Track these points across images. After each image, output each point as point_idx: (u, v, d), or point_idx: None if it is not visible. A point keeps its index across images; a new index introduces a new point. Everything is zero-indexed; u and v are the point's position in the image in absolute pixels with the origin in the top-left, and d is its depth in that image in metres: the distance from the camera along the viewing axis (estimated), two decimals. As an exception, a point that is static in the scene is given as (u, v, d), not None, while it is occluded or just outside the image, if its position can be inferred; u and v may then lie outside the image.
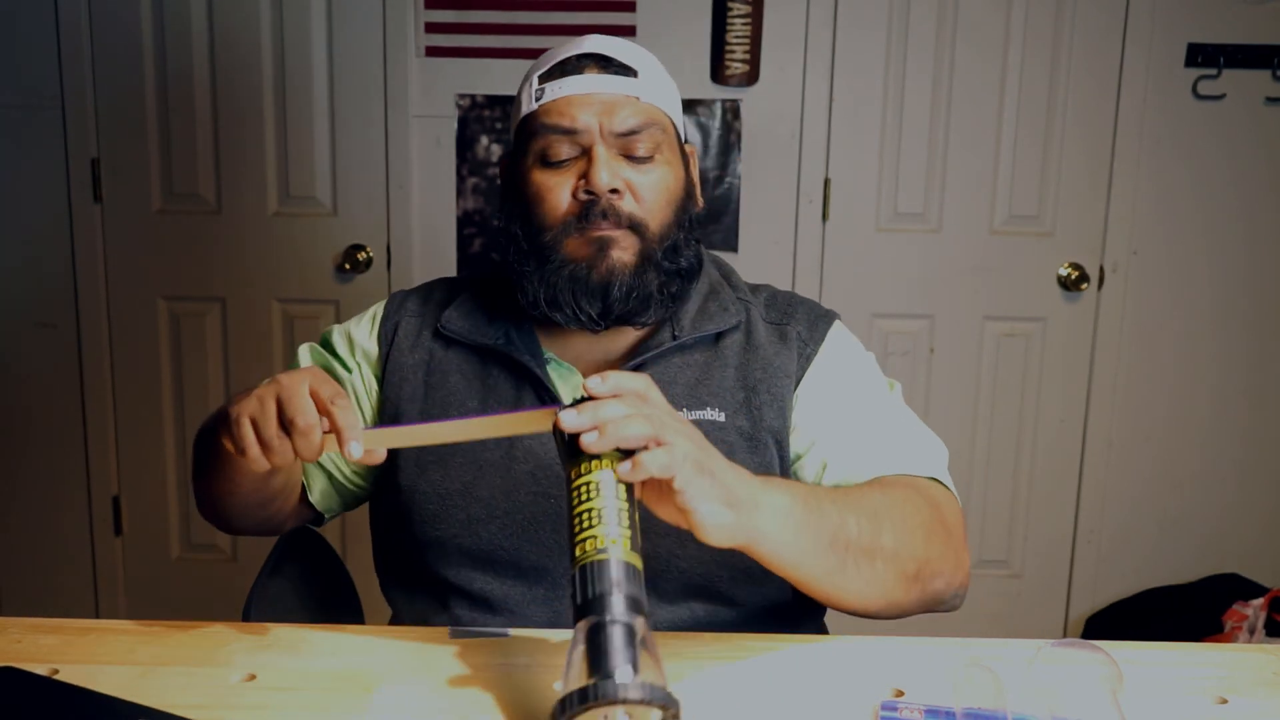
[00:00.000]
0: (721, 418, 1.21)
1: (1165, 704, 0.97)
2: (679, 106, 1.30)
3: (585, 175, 1.19)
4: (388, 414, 1.27)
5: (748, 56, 2.60)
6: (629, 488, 0.90)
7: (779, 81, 2.63)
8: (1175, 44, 2.60)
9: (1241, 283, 2.71)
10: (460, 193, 2.66)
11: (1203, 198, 2.67)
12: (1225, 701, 0.98)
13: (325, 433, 0.95)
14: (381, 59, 2.60)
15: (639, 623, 0.83)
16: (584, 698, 0.78)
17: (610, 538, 0.85)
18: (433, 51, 2.60)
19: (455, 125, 2.63)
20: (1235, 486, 2.78)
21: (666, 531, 0.99)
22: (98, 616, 2.75)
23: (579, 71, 1.22)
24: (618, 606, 0.83)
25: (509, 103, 2.68)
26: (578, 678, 0.81)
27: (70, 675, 0.98)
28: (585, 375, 1.24)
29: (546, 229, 1.20)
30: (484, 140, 2.64)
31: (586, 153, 1.20)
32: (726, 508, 0.93)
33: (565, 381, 1.24)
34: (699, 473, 0.91)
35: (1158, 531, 2.80)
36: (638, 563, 0.86)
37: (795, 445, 1.23)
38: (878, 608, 1.08)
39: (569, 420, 0.90)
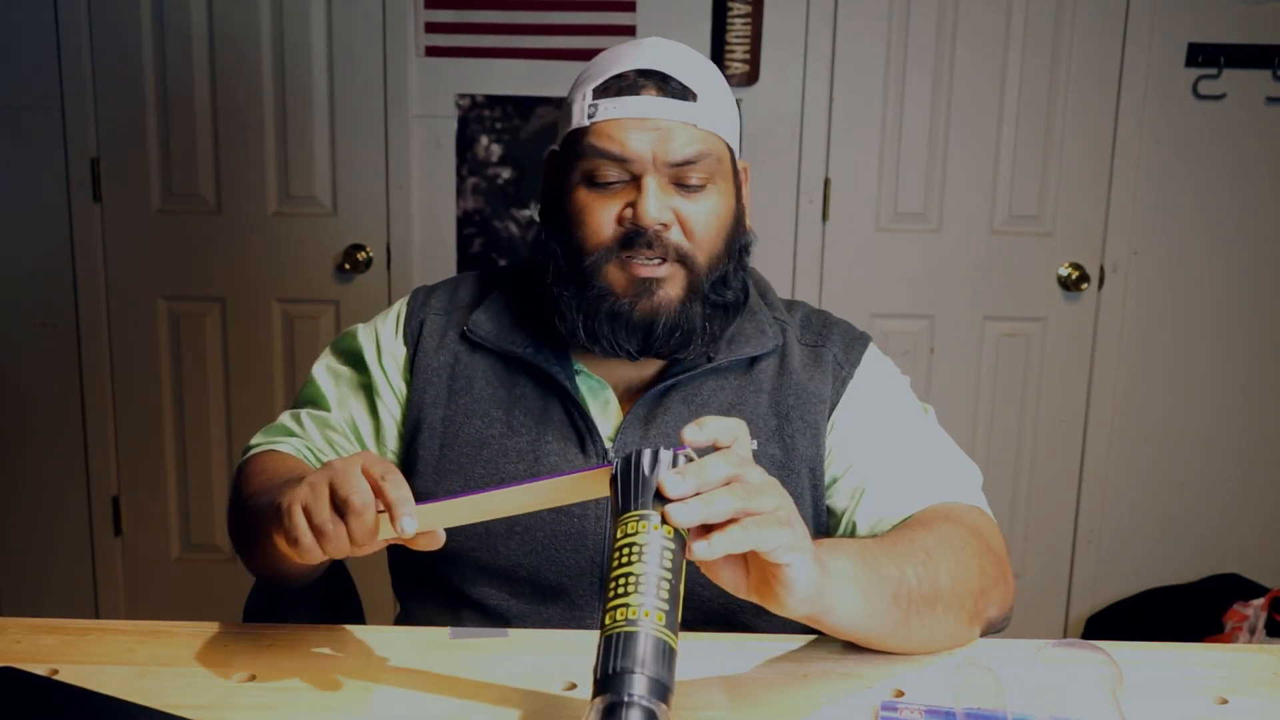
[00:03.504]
0: (754, 445, 1.17)
1: (1165, 704, 0.97)
2: (736, 126, 1.23)
3: (633, 204, 1.13)
4: (411, 418, 1.24)
5: (748, 56, 2.60)
6: (677, 557, 0.80)
7: (779, 81, 2.62)
8: (1175, 44, 2.59)
9: (1241, 283, 2.71)
10: (460, 193, 2.66)
11: (1203, 198, 2.67)
12: (1225, 701, 0.98)
13: (379, 512, 0.90)
14: (381, 59, 2.60)
15: (661, 711, 0.75)
16: None
17: (644, 609, 0.77)
18: (433, 51, 2.60)
19: (455, 125, 2.63)
20: (1235, 487, 2.78)
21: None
22: (97, 616, 2.75)
23: (636, 91, 1.15)
24: (638, 687, 0.75)
25: (509, 103, 2.71)
26: None
27: (70, 675, 0.98)
28: (616, 390, 1.22)
29: (587, 253, 1.15)
30: (484, 140, 2.63)
31: (636, 180, 1.14)
32: (815, 562, 0.87)
33: (594, 396, 1.21)
34: (789, 524, 0.84)
35: (1158, 532, 2.80)
36: (672, 642, 0.78)
37: (829, 471, 1.21)
38: (941, 650, 1.06)
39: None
